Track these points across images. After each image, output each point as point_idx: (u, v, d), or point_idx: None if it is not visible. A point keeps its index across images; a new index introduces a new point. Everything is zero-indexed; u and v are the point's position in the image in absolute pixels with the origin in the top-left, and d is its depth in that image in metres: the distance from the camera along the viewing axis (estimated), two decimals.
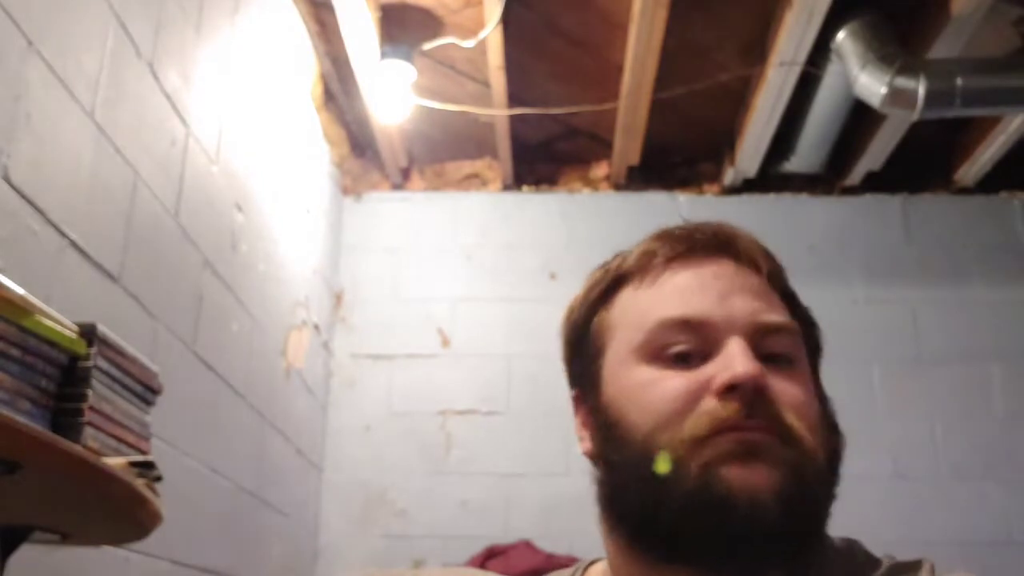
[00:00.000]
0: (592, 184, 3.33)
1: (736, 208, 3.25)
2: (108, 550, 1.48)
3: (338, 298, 3.17)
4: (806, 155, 3.05)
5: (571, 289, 0.76)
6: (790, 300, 0.71)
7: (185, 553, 1.82)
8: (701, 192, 3.30)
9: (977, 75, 2.36)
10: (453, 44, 2.62)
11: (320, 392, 2.98)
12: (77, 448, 0.89)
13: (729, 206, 3.25)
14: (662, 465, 0.62)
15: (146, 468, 1.01)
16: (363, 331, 3.15)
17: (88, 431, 0.93)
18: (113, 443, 0.99)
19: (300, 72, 2.69)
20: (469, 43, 2.58)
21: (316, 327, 2.90)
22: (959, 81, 2.33)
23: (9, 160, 1.22)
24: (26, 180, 1.26)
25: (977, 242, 3.20)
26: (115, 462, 0.96)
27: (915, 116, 2.41)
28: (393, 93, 2.72)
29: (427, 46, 2.64)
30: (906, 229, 3.23)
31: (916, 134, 2.86)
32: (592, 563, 0.77)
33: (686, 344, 0.65)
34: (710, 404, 0.62)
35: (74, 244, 1.39)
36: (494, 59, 2.64)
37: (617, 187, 3.31)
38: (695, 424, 0.62)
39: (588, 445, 0.70)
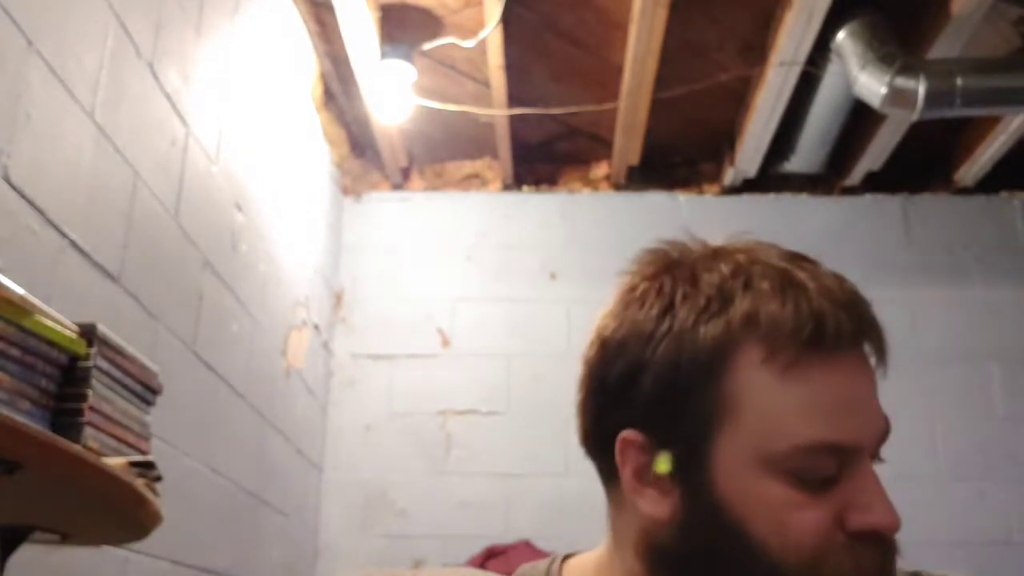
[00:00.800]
0: (592, 184, 3.33)
1: (736, 208, 3.25)
2: (108, 550, 1.48)
3: (338, 298, 3.17)
4: (806, 155, 3.05)
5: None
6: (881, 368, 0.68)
7: (185, 553, 1.82)
8: (701, 192, 3.30)
9: (977, 75, 2.36)
10: (453, 44, 2.62)
11: (320, 392, 2.98)
12: (77, 448, 0.89)
13: (729, 206, 3.26)
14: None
15: (146, 468, 1.01)
16: (363, 331, 3.15)
17: (88, 431, 0.93)
18: (113, 443, 0.99)
19: (300, 72, 2.69)
20: (469, 43, 2.58)
21: (316, 327, 2.90)
22: (959, 81, 2.33)
23: (9, 160, 1.22)
24: (26, 180, 1.26)
25: (977, 242, 3.20)
26: (115, 462, 0.96)
27: (915, 116, 2.41)
28: (393, 93, 2.71)
29: (427, 46, 2.64)
30: (906, 229, 3.23)
31: (916, 134, 2.86)
32: (568, 557, 0.74)
33: (830, 471, 0.61)
34: (844, 546, 0.61)
35: (74, 244, 1.39)
36: (494, 59, 2.64)
37: (617, 187, 3.31)
38: (834, 572, 0.60)
39: (658, 507, 0.64)
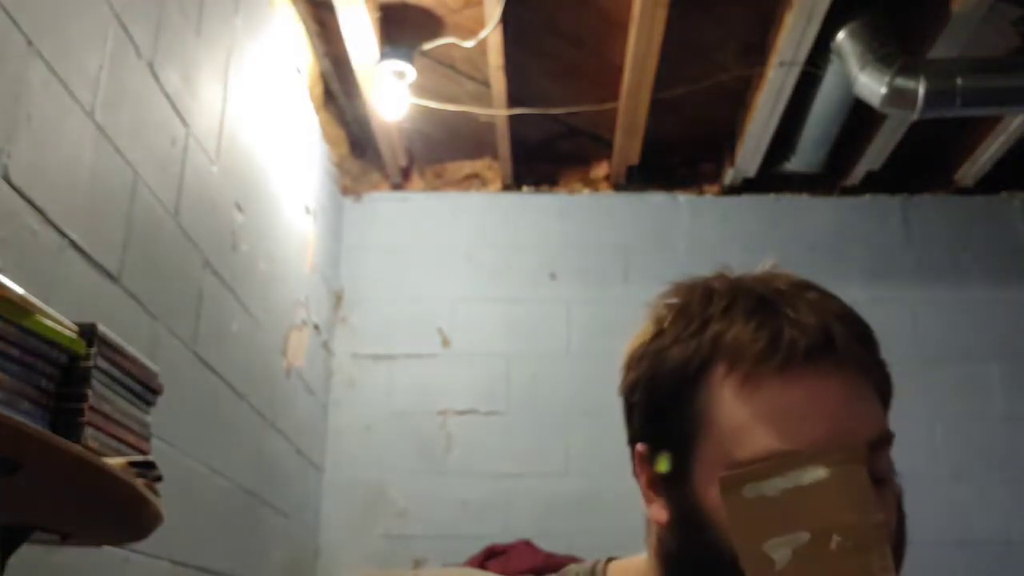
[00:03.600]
0: (592, 184, 3.33)
1: (736, 208, 3.25)
2: (108, 550, 1.48)
3: (338, 298, 3.17)
4: (806, 155, 3.05)
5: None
6: (886, 383, 0.69)
7: (185, 553, 1.82)
8: (701, 192, 3.30)
9: (977, 75, 2.36)
10: (453, 44, 2.62)
11: (320, 392, 2.98)
12: (77, 448, 0.89)
13: (729, 206, 3.26)
14: None
15: (146, 468, 1.01)
16: (363, 331, 3.15)
17: (88, 431, 0.93)
18: (113, 443, 0.99)
19: (300, 72, 2.69)
20: (469, 43, 2.58)
21: (316, 327, 2.90)
22: (959, 81, 2.33)
23: (9, 160, 1.22)
24: (26, 180, 1.26)
25: (977, 242, 3.20)
26: (115, 462, 0.96)
27: (915, 116, 2.41)
28: (393, 93, 2.71)
29: (427, 46, 2.64)
30: (906, 229, 3.23)
31: (916, 134, 2.86)
32: (611, 560, 0.78)
33: None
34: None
35: (74, 244, 1.39)
36: (494, 59, 2.64)
37: (617, 187, 3.30)
38: None
39: (661, 513, 0.69)
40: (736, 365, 0.65)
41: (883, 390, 0.69)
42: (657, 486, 0.69)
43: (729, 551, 0.61)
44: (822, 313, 0.66)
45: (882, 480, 0.64)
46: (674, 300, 0.71)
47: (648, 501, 0.70)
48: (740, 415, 0.64)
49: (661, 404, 0.69)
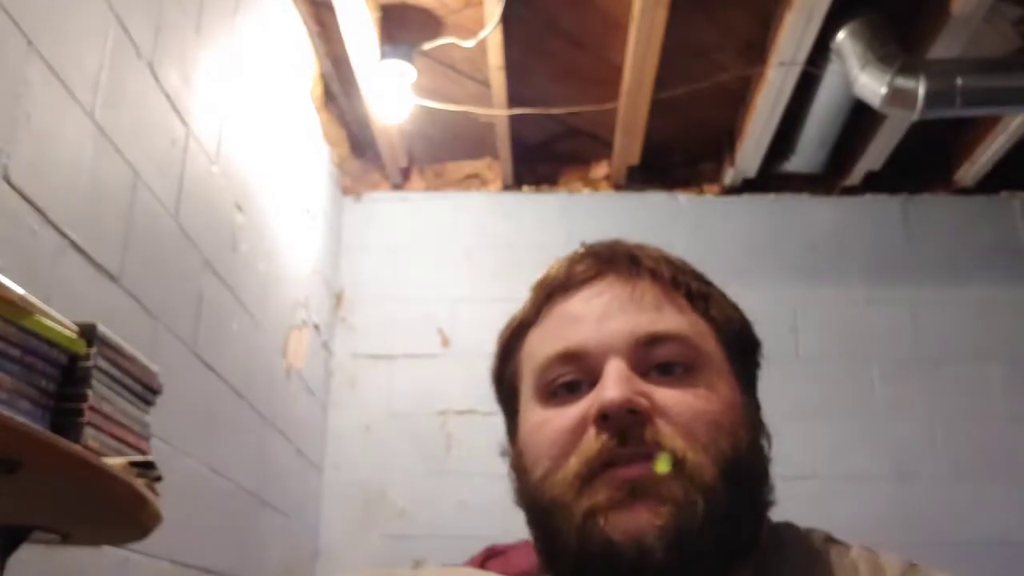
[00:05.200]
0: (592, 184, 3.33)
1: (736, 208, 3.24)
2: (108, 550, 1.48)
3: (338, 298, 3.17)
4: (806, 155, 3.05)
5: None
6: (703, 300, 0.67)
7: (185, 553, 1.82)
8: (701, 192, 3.30)
9: (977, 75, 2.36)
10: (453, 44, 2.62)
11: (320, 392, 2.98)
12: (77, 448, 0.89)
13: (729, 206, 3.25)
14: (554, 514, 0.59)
15: (146, 468, 1.01)
16: (363, 331, 3.15)
17: (88, 431, 0.93)
18: (113, 443, 0.99)
19: (300, 72, 2.69)
20: (469, 43, 2.58)
21: (316, 327, 2.90)
22: (959, 81, 2.33)
23: (9, 160, 1.22)
24: (26, 180, 1.26)
25: (977, 242, 3.20)
26: (115, 462, 0.96)
27: (915, 116, 2.41)
28: (393, 93, 2.71)
29: (427, 46, 2.64)
30: (906, 229, 3.23)
31: (916, 134, 2.86)
32: None
33: (571, 375, 0.63)
34: (589, 437, 0.60)
35: (74, 244, 1.39)
36: (494, 59, 2.64)
37: (617, 187, 3.30)
38: (574, 465, 0.59)
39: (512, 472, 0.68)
40: (536, 300, 0.70)
41: (699, 295, 0.67)
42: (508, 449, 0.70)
43: (534, 480, 0.63)
44: (626, 246, 0.70)
45: (672, 369, 0.62)
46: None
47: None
48: (535, 340, 0.68)
49: (497, 387, 0.74)
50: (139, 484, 0.99)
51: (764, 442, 0.64)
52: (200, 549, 1.91)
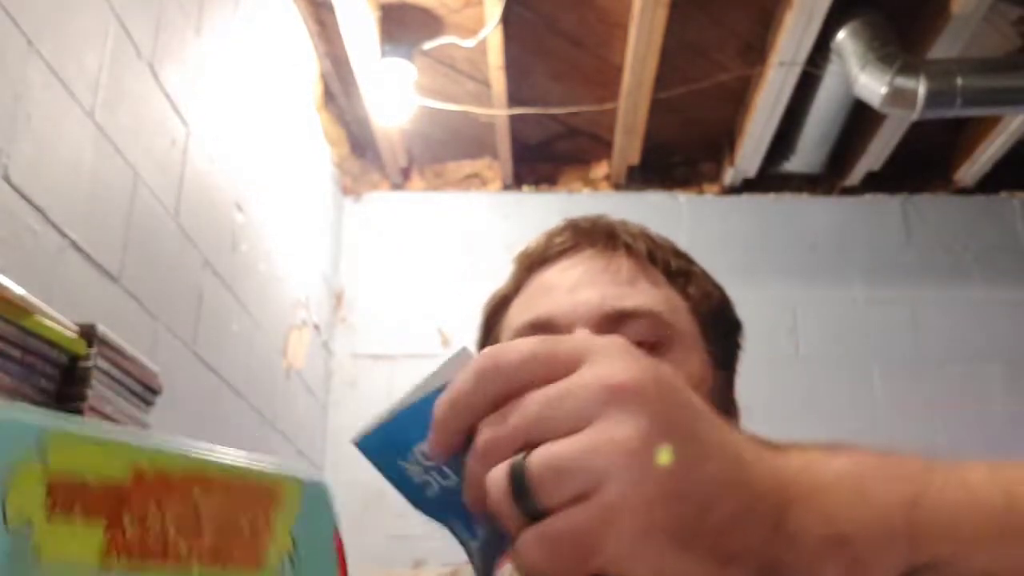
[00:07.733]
0: (592, 184, 3.33)
1: (736, 208, 3.24)
2: None
3: (338, 298, 3.17)
4: (806, 155, 3.05)
5: None
6: (683, 277, 0.68)
7: None
8: (701, 192, 3.30)
9: (977, 75, 2.36)
10: (453, 44, 2.62)
11: (320, 392, 2.98)
12: None
13: (729, 206, 3.25)
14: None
15: None
16: (363, 331, 3.15)
17: None
18: None
19: (300, 72, 2.69)
20: (469, 43, 2.58)
21: (316, 327, 2.90)
22: (959, 81, 2.33)
23: (9, 160, 1.22)
24: (26, 180, 1.25)
25: (977, 242, 3.20)
26: None
27: (915, 116, 2.41)
28: (393, 93, 2.71)
29: (427, 46, 2.64)
30: (906, 229, 3.23)
31: (916, 134, 2.86)
32: None
33: None
34: None
35: (74, 244, 1.39)
36: (494, 59, 2.64)
37: (617, 187, 3.30)
38: None
39: None
40: (516, 272, 0.71)
41: (678, 272, 0.69)
42: None
43: None
44: (607, 221, 0.72)
45: (640, 346, 0.63)
46: None
47: None
48: (514, 311, 0.70)
49: (483, 342, 0.74)
50: None
51: (733, 419, 0.65)
52: None
